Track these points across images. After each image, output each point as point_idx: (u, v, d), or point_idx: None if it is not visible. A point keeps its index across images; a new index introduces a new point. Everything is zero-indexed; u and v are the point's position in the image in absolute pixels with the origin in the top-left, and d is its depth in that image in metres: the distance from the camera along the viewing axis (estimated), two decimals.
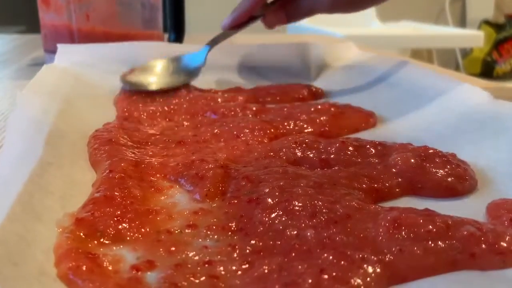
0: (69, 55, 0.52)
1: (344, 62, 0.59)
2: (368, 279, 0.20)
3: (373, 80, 0.53)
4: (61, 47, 0.53)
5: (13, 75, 0.64)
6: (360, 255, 0.21)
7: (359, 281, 0.20)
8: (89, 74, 0.49)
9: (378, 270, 0.21)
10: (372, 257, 0.21)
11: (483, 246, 0.22)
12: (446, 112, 0.40)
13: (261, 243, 0.23)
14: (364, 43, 1.04)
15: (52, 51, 0.57)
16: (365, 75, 0.55)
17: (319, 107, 0.43)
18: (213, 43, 0.53)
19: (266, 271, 0.21)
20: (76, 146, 0.34)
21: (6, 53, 0.84)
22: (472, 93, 0.40)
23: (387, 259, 0.22)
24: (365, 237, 0.23)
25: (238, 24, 0.51)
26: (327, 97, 0.52)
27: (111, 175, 0.29)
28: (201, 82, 0.53)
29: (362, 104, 0.46)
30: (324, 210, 0.25)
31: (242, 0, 0.51)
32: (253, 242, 0.23)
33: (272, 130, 0.38)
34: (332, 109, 0.42)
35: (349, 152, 0.34)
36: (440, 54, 2.30)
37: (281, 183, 0.29)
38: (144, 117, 0.42)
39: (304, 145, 0.35)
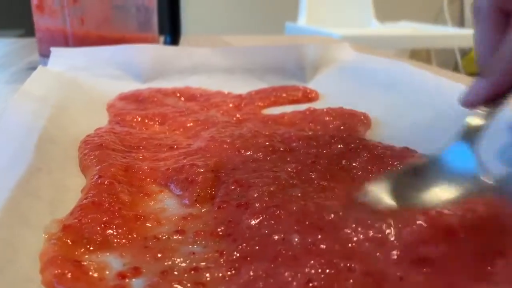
0: (62, 59, 0.52)
1: (339, 63, 0.59)
2: None
3: (368, 82, 0.53)
4: (54, 51, 0.53)
5: (8, 79, 0.64)
6: (348, 264, 0.21)
7: None
8: (82, 78, 0.49)
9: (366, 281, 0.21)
10: (360, 266, 0.21)
11: None
12: (441, 115, 0.40)
13: (248, 248, 0.23)
14: (363, 43, 1.04)
15: (47, 55, 0.57)
16: (360, 77, 0.55)
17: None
18: (470, 138, 0.29)
19: (252, 278, 0.21)
20: (67, 152, 0.34)
21: (3, 56, 0.84)
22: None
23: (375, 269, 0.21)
24: (353, 247, 0.23)
25: (500, 94, 0.28)
26: (322, 100, 0.52)
27: (99, 180, 0.28)
28: (195, 83, 0.53)
29: (356, 106, 0.46)
30: (314, 217, 0.25)
31: (500, 53, 0.27)
32: (240, 247, 0.23)
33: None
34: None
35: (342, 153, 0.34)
36: (439, 54, 2.30)
37: (272, 188, 0.28)
38: (137, 121, 0.41)
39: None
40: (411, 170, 0.29)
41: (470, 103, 0.29)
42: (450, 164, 0.28)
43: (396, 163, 0.33)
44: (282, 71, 0.58)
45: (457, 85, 0.43)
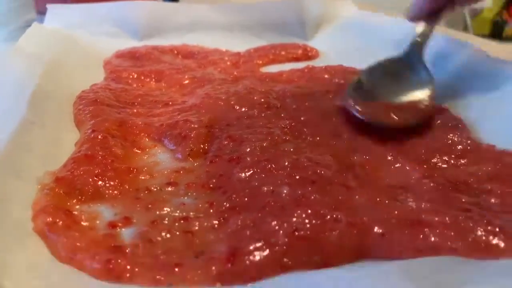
0: (59, 16, 0.51)
1: (340, 20, 0.58)
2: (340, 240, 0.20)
3: (369, 40, 0.52)
4: (51, 8, 0.52)
5: (6, 36, 0.64)
6: (334, 216, 0.21)
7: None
8: (79, 35, 0.49)
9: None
10: (346, 218, 0.21)
11: None
12: (441, 71, 0.40)
13: (238, 199, 0.23)
14: (369, 2, 1.00)
15: (44, 12, 0.56)
16: (361, 34, 0.53)
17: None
18: (417, 47, 0.36)
19: (239, 227, 0.21)
20: (62, 107, 0.34)
21: (1, 14, 0.83)
22: (469, 50, 0.39)
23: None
24: (343, 200, 0.23)
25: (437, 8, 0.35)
26: (322, 57, 0.51)
27: (93, 135, 0.29)
28: (193, 41, 0.52)
29: (357, 64, 0.45)
30: (306, 171, 0.25)
31: None
32: (230, 199, 0.24)
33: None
34: None
35: None
36: (448, 14, 2.24)
37: (264, 143, 0.28)
38: (133, 78, 0.41)
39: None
40: (373, 71, 0.36)
41: (414, 17, 0.36)
42: (403, 68, 0.35)
43: None
44: (282, 29, 0.57)
45: (464, 43, 0.42)
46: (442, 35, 0.44)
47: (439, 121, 0.32)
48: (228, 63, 0.47)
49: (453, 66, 0.38)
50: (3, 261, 0.18)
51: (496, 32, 2.17)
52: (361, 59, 0.46)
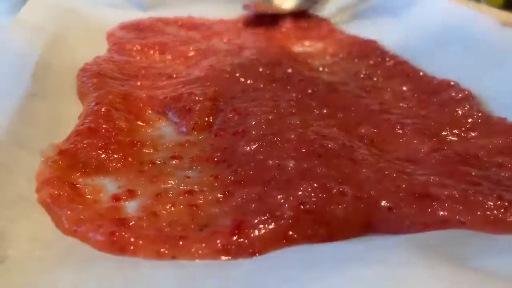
0: None
1: None
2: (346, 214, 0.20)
3: (377, 9, 0.51)
4: None
5: (9, 9, 0.63)
6: (341, 189, 0.21)
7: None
8: (81, 6, 0.48)
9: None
10: (353, 192, 0.21)
11: None
12: (452, 42, 0.39)
13: (243, 173, 0.23)
14: None
15: None
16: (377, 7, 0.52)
17: None
18: None
19: (244, 200, 0.21)
20: (65, 79, 0.33)
21: None
22: (480, 20, 0.38)
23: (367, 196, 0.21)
24: (349, 173, 0.22)
25: None
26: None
27: (96, 107, 0.28)
28: (198, 12, 0.51)
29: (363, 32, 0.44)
30: (312, 144, 0.24)
31: None
32: (235, 172, 0.23)
33: None
34: None
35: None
36: None
37: (270, 117, 0.28)
38: (137, 50, 0.40)
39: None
40: None
41: None
42: None
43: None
44: None
45: (475, 14, 0.41)
46: (453, 6, 0.43)
47: (448, 94, 0.31)
48: (233, 34, 0.46)
49: (464, 38, 0.37)
50: (7, 231, 0.18)
51: (509, 3, 2.12)
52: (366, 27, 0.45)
